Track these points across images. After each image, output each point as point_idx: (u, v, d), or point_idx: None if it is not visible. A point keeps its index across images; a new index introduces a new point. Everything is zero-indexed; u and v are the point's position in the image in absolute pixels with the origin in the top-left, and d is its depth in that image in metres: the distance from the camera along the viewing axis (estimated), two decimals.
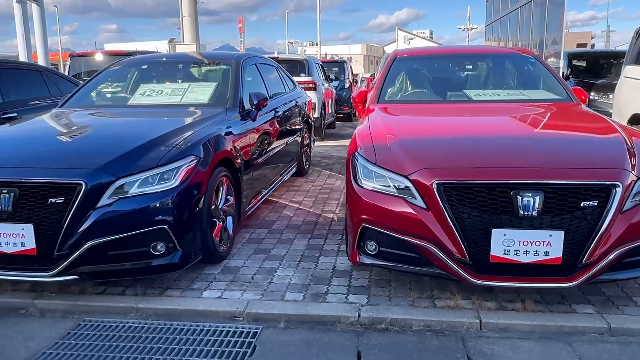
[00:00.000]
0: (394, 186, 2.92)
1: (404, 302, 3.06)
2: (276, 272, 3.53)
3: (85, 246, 2.92)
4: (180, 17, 10.19)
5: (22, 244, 2.94)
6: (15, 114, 5.75)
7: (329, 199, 5.47)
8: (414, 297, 3.11)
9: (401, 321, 2.87)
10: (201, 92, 4.46)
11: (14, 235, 2.93)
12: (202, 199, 3.31)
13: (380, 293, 3.17)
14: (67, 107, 4.51)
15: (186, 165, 3.19)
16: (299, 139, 6.20)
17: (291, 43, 70.24)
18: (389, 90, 4.42)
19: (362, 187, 3.05)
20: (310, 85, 9.22)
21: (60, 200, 2.90)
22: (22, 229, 2.91)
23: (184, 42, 9.88)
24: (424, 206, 2.81)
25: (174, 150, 3.23)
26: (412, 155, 2.96)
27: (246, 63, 4.99)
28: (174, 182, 3.10)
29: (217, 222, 3.57)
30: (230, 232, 3.84)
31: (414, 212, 2.82)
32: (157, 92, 4.50)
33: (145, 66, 4.96)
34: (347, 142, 10.17)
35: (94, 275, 3.03)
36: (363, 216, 3.00)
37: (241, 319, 2.97)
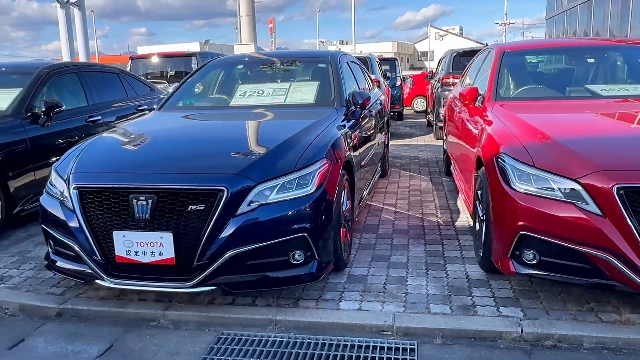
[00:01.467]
0: (559, 190, 2.68)
1: (565, 315, 2.82)
2: (407, 281, 3.32)
3: (225, 256, 2.77)
4: (238, 16, 10.12)
5: (160, 254, 2.80)
6: (99, 117, 5.71)
7: (424, 202, 5.24)
8: (572, 310, 2.87)
9: (570, 338, 2.63)
10: (305, 92, 4.29)
11: (152, 244, 2.80)
12: (335, 204, 3.13)
13: (533, 305, 2.94)
14: (167, 109, 4.40)
15: (320, 169, 3.02)
16: (383, 139, 6.00)
17: (322, 42, 70.08)
18: (502, 87, 4.17)
19: (516, 190, 2.82)
20: (376, 83, 8.98)
21: (201, 207, 2.75)
22: (161, 237, 2.78)
23: (241, 42, 9.80)
24: (599, 212, 2.56)
25: (308, 154, 3.06)
26: (579, 156, 2.72)
27: (342, 60, 4.80)
28: (311, 188, 2.93)
29: (343, 228, 3.39)
30: (348, 238, 3.65)
31: (588, 219, 2.57)
32: (258, 93, 4.35)
33: (241, 66, 4.82)
34: (411, 141, 9.99)
35: (232, 286, 2.87)
36: (521, 223, 2.77)
37: (390, 333, 2.78)
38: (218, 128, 3.74)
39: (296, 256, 2.90)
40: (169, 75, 10.93)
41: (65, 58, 21.82)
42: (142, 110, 6.58)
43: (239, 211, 2.79)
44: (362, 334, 2.79)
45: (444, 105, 9.00)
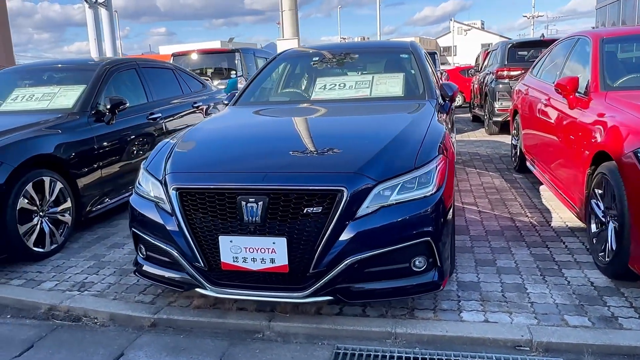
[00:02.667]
0: None
1: None
2: (526, 289, 3.03)
3: (344, 263, 2.51)
4: (280, 11, 9.91)
5: (272, 260, 2.55)
6: (159, 114, 5.51)
7: (505, 200, 4.93)
8: None
9: None
10: (390, 84, 4.01)
11: (263, 250, 2.55)
12: (452, 205, 2.86)
13: None
14: (243, 104, 4.16)
15: (439, 167, 2.74)
16: (454, 133, 5.69)
17: (344, 39, 69.69)
18: (608, 76, 3.83)
19: None
20: None
21: (318, 210, 2.50)
22: (273, 243, 2.53)
23: (283, 37, 9.54)
24: None
25: (424, 150, 2.78)
26: None
27: (421, 51, 4.51)
28: (432, 187, 2.65)
29: None
30: None
31: None
32: (339, 86, 4.08)
33: (316, 58, 4.55)
34: (462, 136, 9.61)
35: (349, 296, 2.61)
36: None
37: (528, 348, 2.49)
38: (316, 124, 3.47)
39: (417, 263, 2.62)
40: (209, 71, 10.75)
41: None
42: (198, 107, 6.38)
43: (358, 214, 2.52)
44: (496, 350, 2.51)
45: (499, 99, 8.67)
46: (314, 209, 2.50)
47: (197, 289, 2.77)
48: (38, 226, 3.83)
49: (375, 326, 2.68)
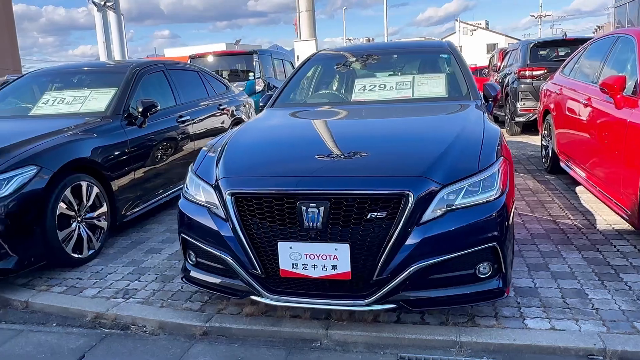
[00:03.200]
0: None
1: None
2: (587, 294, 2.94)
3: (409, 270, 2.43)
4: (297, 12, 9.77)
5: (334, 267, 2.48)
6: (188, 117, 5.45)
7: (543, 202, 4.83)
8: None
9: None
10: (433, 85, 3.93)
11: (325, 257, 2.47)
12: (513, 208, 2.77)
13: None
14: (281, 106, 4.09)
15: (501, 169, 2.65)
16: None
17: (349, 40, 69.56)
18: None
19: None
20: None
21: (382, 214, 2.42)
22: (336, 249, 2.46)
23: (300, 37, 9.41)
24: None
25: (485, 152, 2.70)
26: None
27: (458, 50, 4.42)
28: (496, 191, 2.56)
29: None
30: None
31: None
32: (379, 87, 4.01)
33: (352, 59, 4.47)
34: None
35: (413, 304, 2.53)
36: None
37: (601, 357, 2.41)
38: (369, 125, 3.39)
39: (482, 269, 2.54)
40: (224, 73, 10.68)
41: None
42: (224, 109, 6.32)
43: (423, 219, 2.45)
44: (566, 359, 2.42)
45: (522, 99, 8.58)
46: (378, 213, 2.42)
47: (252, 297, 2.70)
48: (76, 232, 3.77)
49: (438, 334, 2.60)
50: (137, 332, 2.91)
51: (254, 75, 9.67)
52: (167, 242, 4.28)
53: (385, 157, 2.73)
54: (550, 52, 9.30)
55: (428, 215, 2.45)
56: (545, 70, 8.40)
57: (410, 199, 2.40)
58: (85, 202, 3.85)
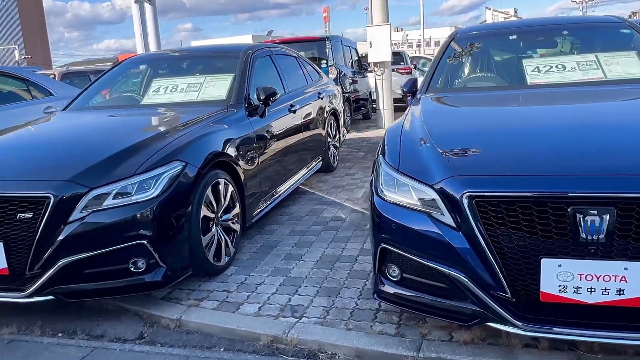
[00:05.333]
0: None
1: None
2: None
3: None
4: None
5: (620, 292, 1.95)
6: (298, 106, 4.96)
7: None
8: None
9: None
10: (626, 64, 3.34)
11: (607, 279, 1.95)
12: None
13: None
14: (436, 91, 3.56)
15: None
16: None
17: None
18: None
19: None
20: None
21: None
22: (625, 269, 1.92)
23: (372, 23, 8.86)
24: None
25: None
26: None
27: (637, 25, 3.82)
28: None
29: None
30: None
31: None
32: (557, 67, 3.43)
33: (513, 37, 3.89)
34: None
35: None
36: None
37: None
38: (593, 114, 2.82)
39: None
40: None
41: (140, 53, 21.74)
42: (322, 97, 5.81)
43: None
44: None
45: None
46: None
47: (491, 324, 2.18)
48: (216, 237, 3.30)
49: None
50: None
51: (326, 63, 9.14)
52: (301, 246, 3.79)
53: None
54: None
55: None
56: None
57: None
58: (222, 202, 3.38)
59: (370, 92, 11.23)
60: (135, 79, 4.70)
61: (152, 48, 21.27)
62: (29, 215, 2.65)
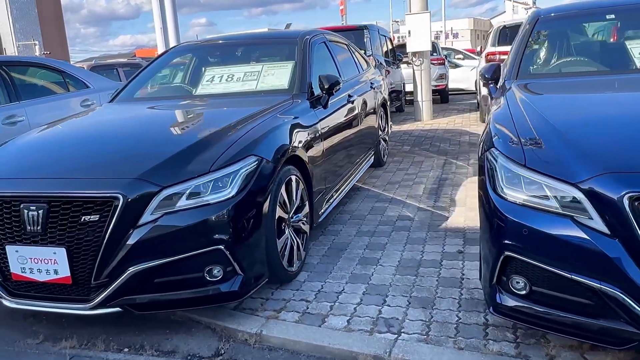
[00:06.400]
0: None
1: None
2: None
3: None
4: None
5: None
6: (355, 96, 4.62)
7: None
8: None
9: None
10: None
11: None
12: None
13: None
14: (527, 79, 3.20)
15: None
16: None
17: (396, 22, 67.78)
18: None
19: None
20: None
21: None
22: None
23: (410, 11, 8.59)
24: None
25: None
26: None
27: None
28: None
29: None
30: None
31: None
32: None
33: (611, 15, 3.50)
34: None
35: None
36: None
37: None
38: None
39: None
40: None
41: (160, 47, 21.57)
42: (374, 87, 5.46)
43: None
44: None
45: None
46: None
47: None
48: (289, 239, 2.99)
49: None
50: None
51: (365, 52, 8.77)
52: (373, 248, 3.47)
53: None
54: None
55: None
56: None
57: None
58: (294, 201, 3.07)
59: (403, 84, 10.84)
60: (182, 68, 4.40)
61: (172, 42, 21.18)
62: (94, 217, 2.35)
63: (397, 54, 10.83)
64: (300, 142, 3.21)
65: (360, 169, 4.79)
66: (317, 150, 3.50)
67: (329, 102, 3.86)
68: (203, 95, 3.80)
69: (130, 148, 2.78)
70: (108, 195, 2.34)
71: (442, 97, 12.37)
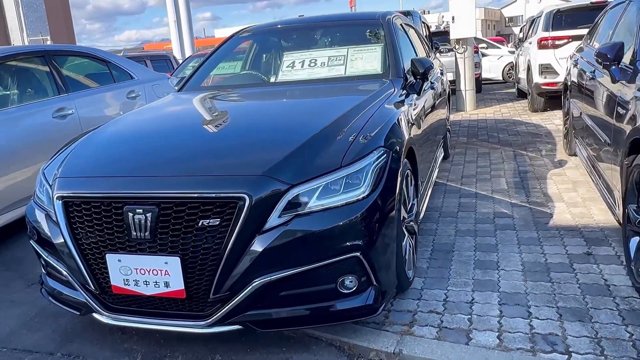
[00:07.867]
0: None
1: None
2: None
3: None
4: None
5: None
6: (436, 84, 4.24)
7: None
8: None
9: None
10: None
11: None
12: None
13: None
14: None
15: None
16: None
17: (408, 12, 66.85)
18: None
19: None
20: None
21: None
22: None
23: None
24: None
25: None
26: None
27: None
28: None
29: None
30: None
31: None
32: None
33: None
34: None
35: None
36: None
37: None
38: None
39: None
40: None
41: (174, 41, 21.28)
42: (443, 74, 5.08)
43: None
44: None
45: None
46: None
47: None
48: (408, 242, 2.65)
49: None
50: None
51: None
52: (484, 250, 3.13)
53: None
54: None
55: None
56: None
57: None
58: (411, 198, 2.73)
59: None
60: (252, 54, 4.05)
61: (186, 35, 20.98)
62: (214, 222, 2.01)
63: (434, 42, 10.42)
64: (409, 133, 2.86)
65: (438, 162, 4.44)
66: (419, 142, 3.15)
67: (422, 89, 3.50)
68: (286, 82, 3.45)
69: (243, 141, 2.43)
70: (232, 195, 2.00)
71: (476, 86, 11.95)
